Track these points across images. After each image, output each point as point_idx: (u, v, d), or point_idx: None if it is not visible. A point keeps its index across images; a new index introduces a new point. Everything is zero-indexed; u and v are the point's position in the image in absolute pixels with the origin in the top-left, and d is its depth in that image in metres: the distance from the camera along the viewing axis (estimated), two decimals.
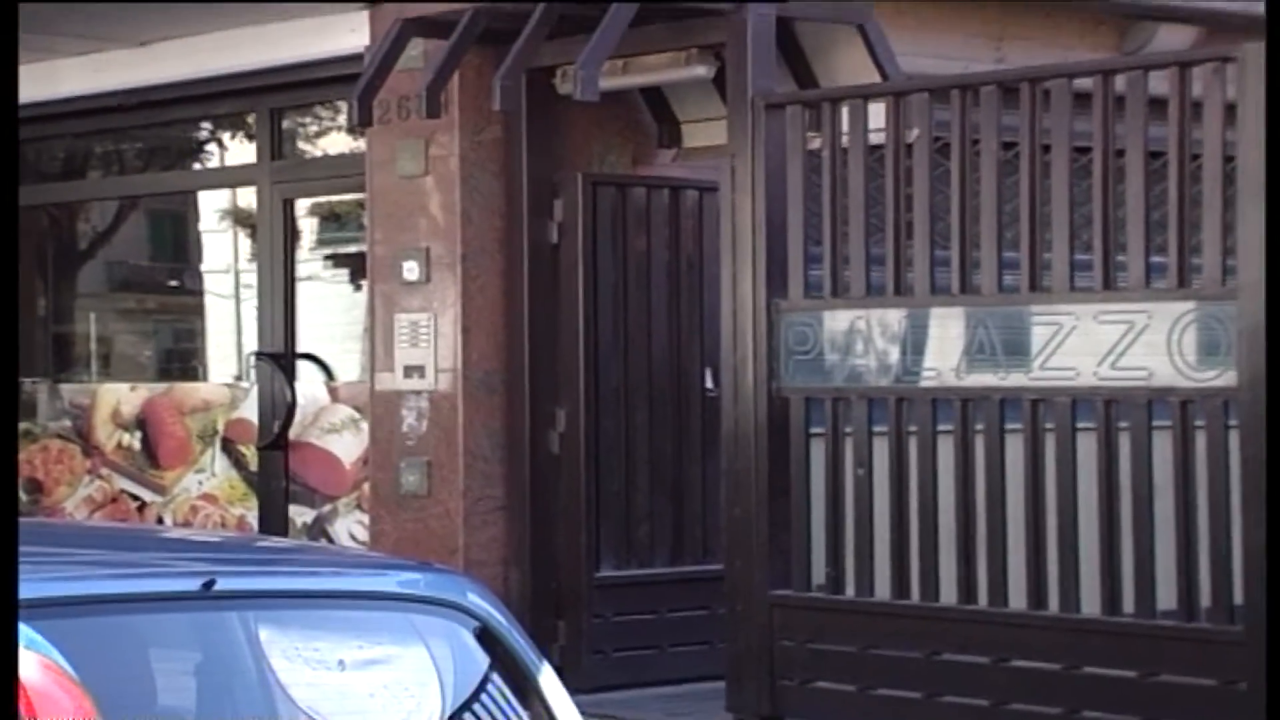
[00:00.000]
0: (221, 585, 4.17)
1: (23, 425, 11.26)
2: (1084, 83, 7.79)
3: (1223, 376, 7.27)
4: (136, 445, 11.15)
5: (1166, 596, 7.44)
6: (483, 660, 4.33)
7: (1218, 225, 7.35)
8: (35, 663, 3.57)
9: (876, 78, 8.89)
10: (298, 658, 4.30)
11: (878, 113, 8.24)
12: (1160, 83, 7.60)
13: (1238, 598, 7.25)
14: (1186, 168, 7.47)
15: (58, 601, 3.87)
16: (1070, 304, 7.67)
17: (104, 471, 11.30)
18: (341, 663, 4.35)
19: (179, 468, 11.00)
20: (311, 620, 4.37)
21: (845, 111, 8.32)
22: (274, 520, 10.41)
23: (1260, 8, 11.48)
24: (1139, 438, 7.50)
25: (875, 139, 8.24)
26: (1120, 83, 7.68)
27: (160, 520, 10.90)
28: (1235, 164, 7.29)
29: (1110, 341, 7.54)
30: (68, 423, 11.53)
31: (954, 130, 8.00)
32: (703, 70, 9.10)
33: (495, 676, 4.33)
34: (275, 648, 4.27)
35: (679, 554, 9.62)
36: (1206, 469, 7.34)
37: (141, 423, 11.18)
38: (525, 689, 4.33)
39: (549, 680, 4.36)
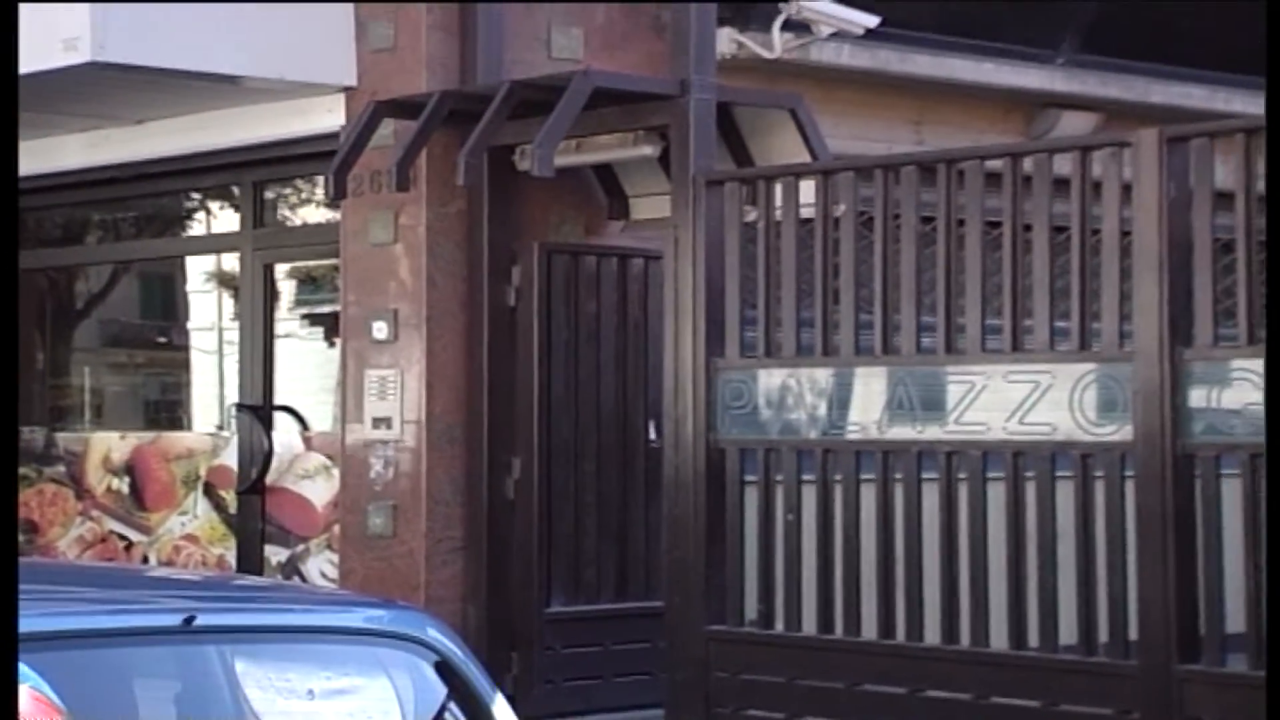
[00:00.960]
0: (201, 621, 4.15)
1: (21, 470, 11.20)
2: (995, 164, 7.82)
3: (1120, 431, 7.29)
4: (125, 489, 11.09)
5: (1068, 632, 7.45)
6: (441, 691, 4.31)
7: (1115, 294, 7.38)
8: (25, 694, 3.54)
9: (807, 158, 8.92)
10: (270, 688, 4.28)
11: (808, 189, 8.26)
12: (1064, 164, 7.63)
13: (1133, 633, 7.27)
14: (1087, 241, 7.50)
15: (48, 636, 3.84)
16: (982, 364, 7.69)
17: (94, 513, 11.22)
18: (311, 692, 4.33)
19: (164, 510, 10.93)
20: (284, 653, 4.35)
21: (778, 188, 8.34)
22: (251, 559, 10.34)
23: (1153, 96, 11.60)
24: (1043, 487, 7.51)
25: (805, 213, 8.25)
26: (1028, 164, 7.71)
27: (145, 559, 10.82)
28: (1131, 238, 7.34)
29: (1018, 399, 7.55)
30: (62, 468, 11.46)
31: (877, 206, 8.02)
32: (649, 150, 9.11)
33: (452, 706, 4.32)
34: (250, 678, 4.25)
35: (623, 591, 9.57)
36: (1105, 516, 7.35)
37: (130, 468, 11.12)
38: (480, 717, 4.31)
39: (501, 709, 4.36)
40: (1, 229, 4.77)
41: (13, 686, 3.52)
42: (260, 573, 10.13)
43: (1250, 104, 11.29)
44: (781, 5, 10.15)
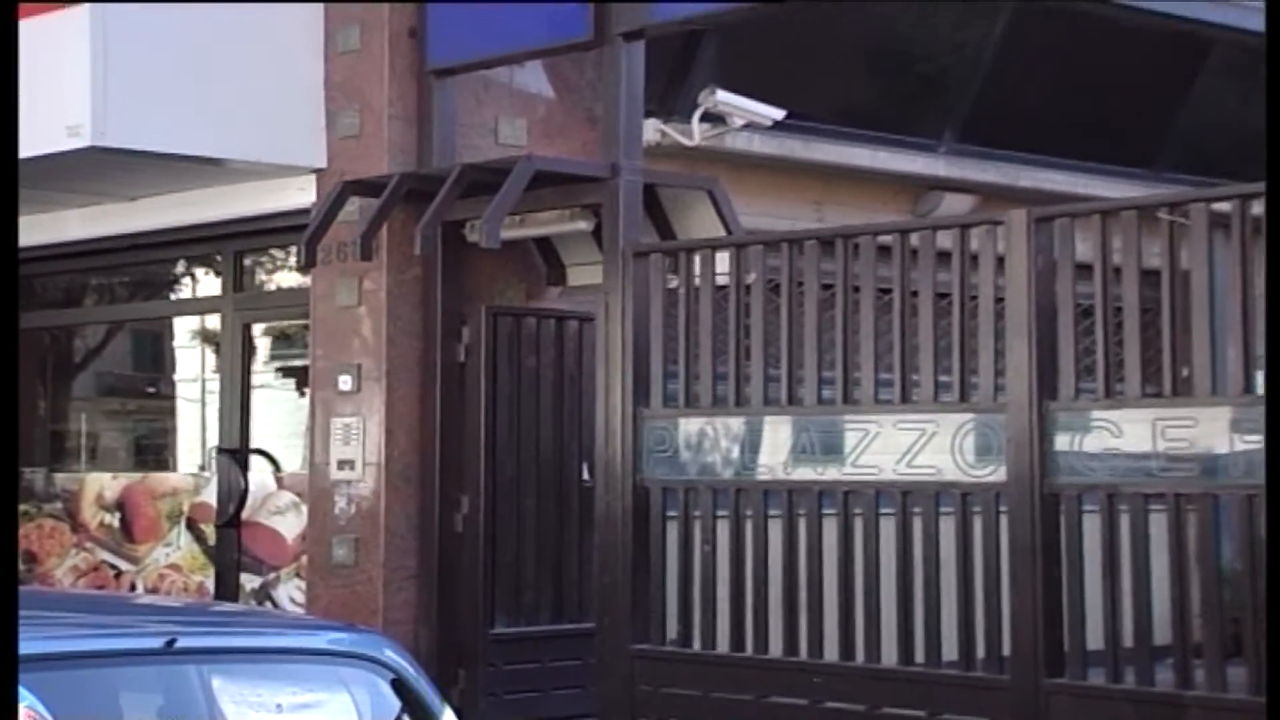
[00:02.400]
0: (181, 643, 4.11)
1: (22, 507, 11.11)
2: (886, 239, 7.85)
3: (995, 473, 7.31)
4: (115, 524, 11.00)
5: (950, 649, 7.44)
6: (395, 705, 4.29)
7: (991, 353, 7.41)
8: (21, 713, 3.48)
9: (722, 232, 8.93)
10: (244, 703, 4.24)
11: (723, 260, 8.28)
12: (945, 240, 7.66)
13: (1006, 650, 7.27)
14: (966, 307, 7.54)
15: (42, 658, 3.79)
16: (875, 414, 7.69)
17: (88, 545, 11.11)
18: (279, 706, 4.29)
19: (150, 542, 10.84)
20: (256, 672, 4.31)
21: (697, 259, 8.34)
22: (228, 586, 10.25)
23: (1022, 181, 11.69)
24: (928, 522, 7.51)
25: (721, 281, 8.26)
26: (915, 239, 7.74)
27: (133, 587, 10.73)
28: (1003, 304, 7.37)
29: (906, 444, 7.56)
30: (59, 505, 11.35)
31: (783, 275, 8.03)
32: (584, 224, 9.11)
33: (406, 719, 4.28)
34: (225, 694, 4.20)
35: (559, 614, 9.52)
36: (982, 547, 7.36)
37: (120, 505, 11.03)
38: None
39: None
40: (2, 234, 4.71)
41: (13, 698, 3.46)
42: (236, 599, 10.06)
43: (1105, 188, 11.40)
44: (700, 99, 10.20)
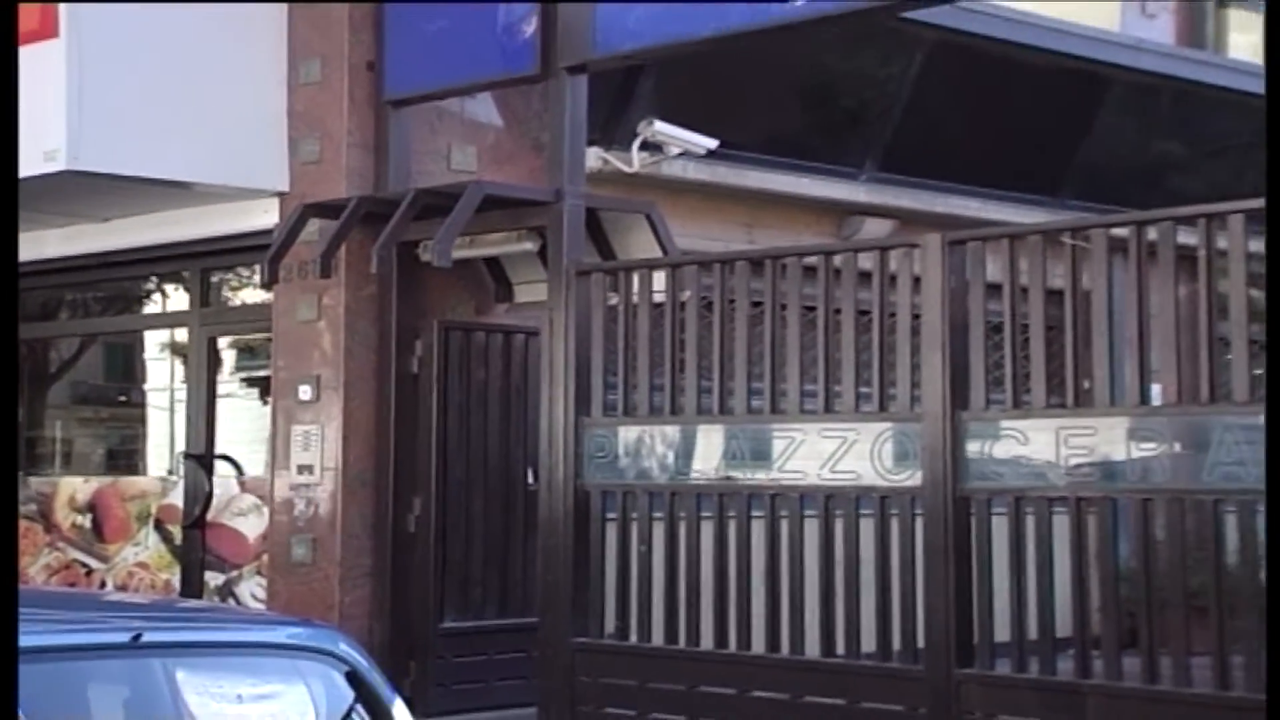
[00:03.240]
0: (147, 638, 4.07)
1: None
2: (811, 260, 7.86)
3: (911, 478, 7.32)
4: (87, 525, 10.89)
5: (869, 641, 7.45)
6: (349, 696, 4.25)
7: (907, 366, 7.42)
8: None
9: (659, 253, 8.93)
10: (206, 694, 4.19)
11: (660, 279, 8.27)
12: (866, 261, 7.68)
13: (921, 642, 7.28)
14: (885, 323, 7.55)
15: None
16: (800, 423, 7.70)
17: (60, 545, 10.99)
18: (240, 697, 4.24)
19: (119, 542, 10.74)
20: (217, 665, 4.27)
21: (636, 278, 8.34)
22: (193, 583, 10.16)
23: (937, 207, 11.73)
24: (849, 523, 7.52)
25: (658, 299, 8.26)
26: (838, 260, 7.76)
27: (103, 584, 10.63)
28: (919, 321, 7.39)
29: (829, 451, 7.57)
30: (34, 507, 11.22)
31: (716, 293, 8.04)
32: (530, 245, 9.09)
33: (359, 708, 4.25)
34: (189, 686, 4.16)
35: (505, 609, 9.49)
36: (899, 547, 7.38)
37: (92, 507, 10.92)
38: (381, 717, 4.24)
39: (400, 711, 4.29)
40: (2, 239, 4.66)
41: (13, 698, 3.42)
42: (200, 595, 9.98)
43: (1013, 214, 11.45)
44: (638, 129, 10.21)
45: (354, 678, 4.26)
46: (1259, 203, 6.61)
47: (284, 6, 9.64)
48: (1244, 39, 14.17)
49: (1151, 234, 6.88)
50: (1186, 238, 6.79)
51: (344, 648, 4.32)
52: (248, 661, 4.31)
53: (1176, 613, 6.72)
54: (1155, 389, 7.05)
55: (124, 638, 4.03)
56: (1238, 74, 13.09)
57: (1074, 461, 6.90)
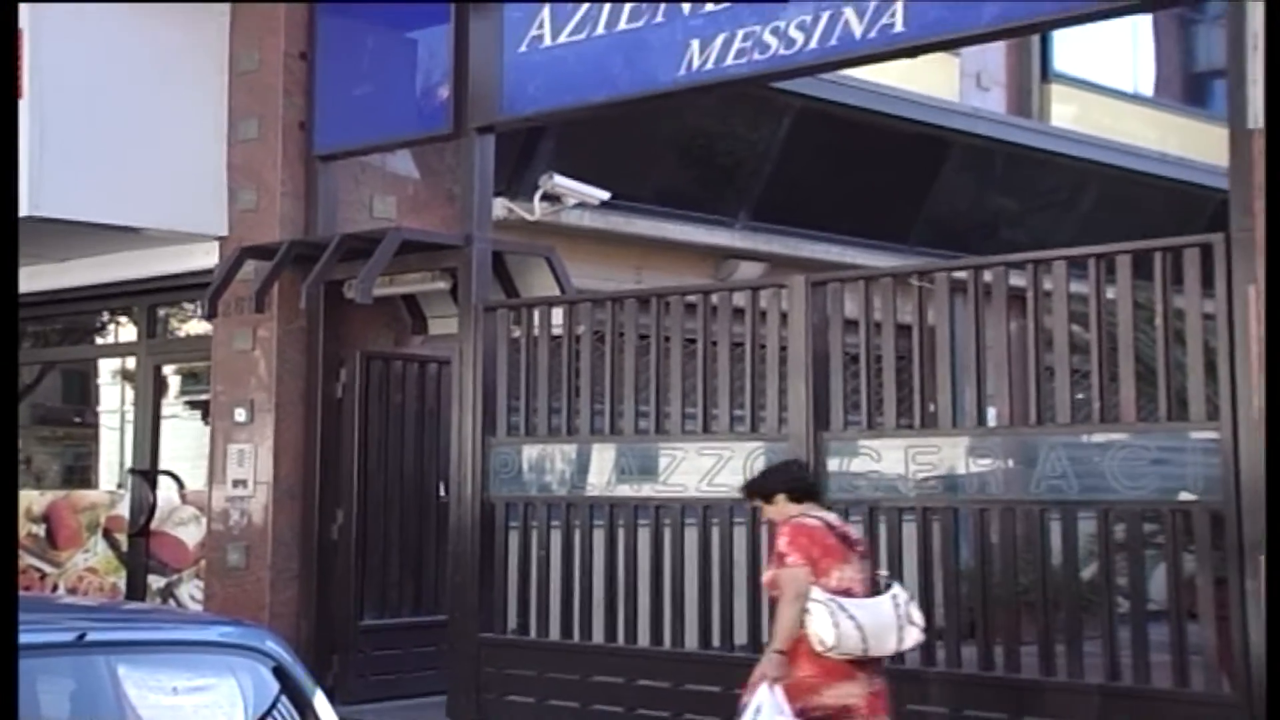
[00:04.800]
0: (92, 637, 3.98)
1: None
2: (692, 298, 7.88)
3: None
4: (42, 534, 10.67)
5: (741, 635, 7.44)
6: (275, 688, 4.17)
7: (776, 392, 7.45)
8: None
9: (557, 292, 8.90)
10: (145, 687, 4.09)
11: (558, 314, 8.25)
12: (740, 299, 7.71)
13: None
14: (756, 354, 7.57)
15: None
16: (682, 442, 7.70)
17: (17, 552, 10.78)
18: (175, 689, 4.15)
19: (71, 549, 10.53)
20: (156, 661, 4.17)
21: (536, 313, 8.32)
22: (137, 586, 9.98)
23: (802, 252, 11.79)
24: (725, 530, 7.52)
25: (556, 332, 8.23)
26: (715, 298, 7.78)
27: (55, 587, 10.41)
28: (786, 352, 7.41)
29: (707, 467, 7.57)
30: None
31: (608, 327, 8.03)
32: (443, 284, 9.03)
33: (284, 699, 4.17)
34: (129, 680, 4.06)
35: (418, 608, 9.37)
36: (769, 551, 7.38)
37: (47, 517, 10.70)
38: (304, 707, 4.18)
39: (321, 702, 4.22)
40: (2, 242, 4.53)
41: (13, 698, 3.32)
42: (144, 597, 9.80)
43: (868, 258, 11.55)
44: (540, 182, 10.20)
45: (280, 672, 4.18)
46: (1079, 250, 6.72)
47: (225, 72, 9.57)
48: (1065, 109, 14.42)
49: (987, 276, 6.96)
50: (1017, 280, 6.87)
51: (270, 645, 4.24)
52: (183, 658, 4.22)
53: (1008, 608, 6.78)
54: (991, 412, 7.12)
55: (70, 637, 3.93)
56: (1059, 139, 13.33)
57: (921, 476, 6.95)
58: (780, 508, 6.03)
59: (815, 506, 6.06)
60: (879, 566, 7.04)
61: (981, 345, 6.86)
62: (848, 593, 5.75)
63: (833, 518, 6.08)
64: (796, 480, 6.15)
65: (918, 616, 5.84)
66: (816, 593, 5.68)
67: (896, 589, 5.88)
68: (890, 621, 5.74)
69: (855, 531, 6.22)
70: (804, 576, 5.70)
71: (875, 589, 5.89)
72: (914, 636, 5.83)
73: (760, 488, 6.20)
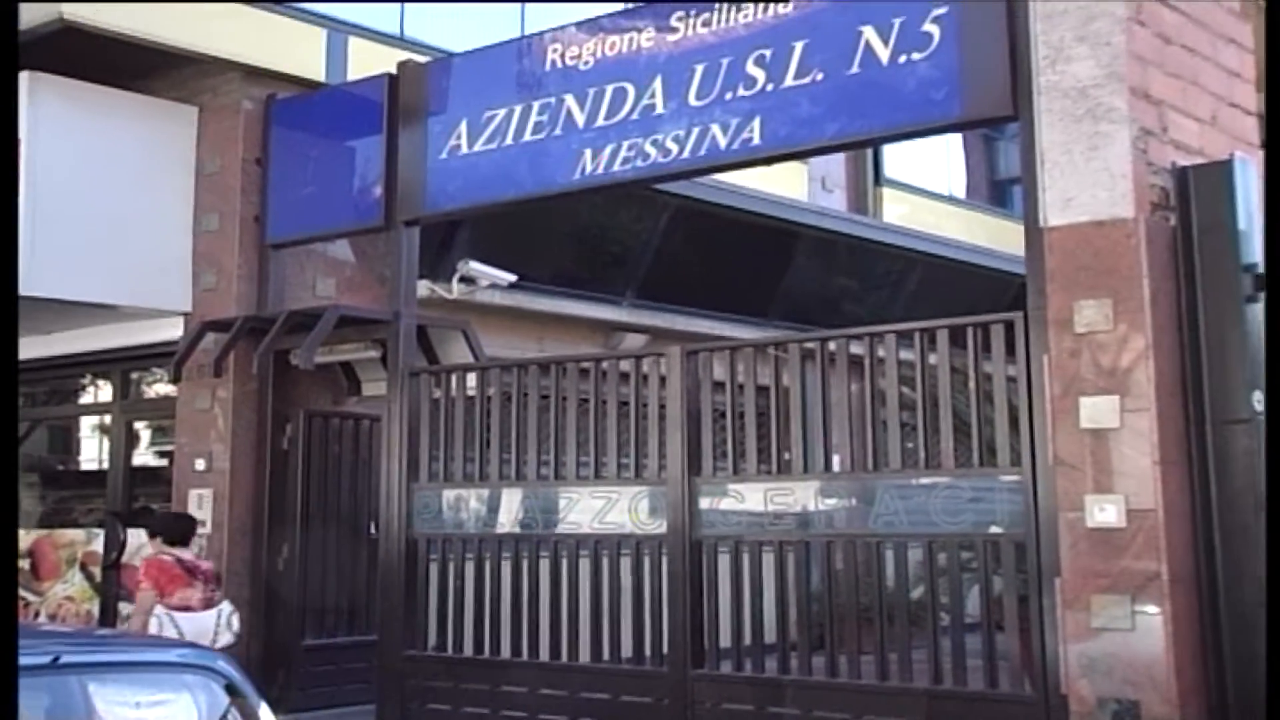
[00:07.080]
0: (65, 659, 3.85)
1: None
2: (586, 364, 7.87)
3: (659, 527, 7.33)
4: (26, 567, 10.38)
5: (626, 650, 7.40)
6: (225, 702, 4.06)
7: (656, 443, 7.45)
8: None
9: (472, 359, 8.86)
10: (112, 703, 3.97)
11: (472, 378, 8.20)
12: (627, 365, 7.71)
13: (665, 649, 7.26)
14: (639, 411, 7.57)
15: None
16: (577, 487, 7.66)
17: None
18: (139, 704, 4.02)
19: (52, 580, 10.24)
20: (121, 680, 4.04)
21: (454, 378, 8.26)
22: (109, 613, 9.74)
23: (679, 325, 11.85)
24: (613, 561, 7.49)
25: (470, 393, 8.18)
26: (605, 365, 7.77)
27: (37, 614, 10.11)
28: (665, 410, 7.42)
29: (599, 507, 7.54)
30: None
31: (515, 389, 7.99)
32: (374, 353, 8.97)
33: (233, 711, 4.07)
34: (99, 697, 3.93)
35: (353, 629, 9.22)
36: (649, 578, 7.36)
37: (31, 553, 10.42)
38: (250, 718, 4.08)
39: (265, 713, 4.12)
40: (2, 244, 4.39)
41: (13, 698, 3.18)
42: (115, 623, 9.55)
43: (733, 330, 11.63)
44: (458, 266, 10.17)
45: (230, 688, 4.08)
46: (906, 325, 6.82)
47: (192, 174, 9.49)
48: (895, 208, 14.70)
49: (831, 346, 7.04)
50: (856, 349, 6.95)
51: (221, 664, 4.14)
52: (146, 676, 4.10)
53: (851, 623, 6.81)
54: (835, 459, 7.18)
55: (46, 659, 3.81)
56: (890, 233, 13.58)
57: (778, 513, 6.98)
58: (155, 545, 7.48)
59: (180, 548, 7.44)
60: (741, 590, 7.06)
61: (827, 404, 6.93)
62: (186, 608, 7.21)
63: (187, 555, 7.45)
64: (169, 528, 7.59)
65: (236, 624, 7.37)
66: (158, 609, 7.17)
67: (224, 605, 7.41)
68: (209, 628, 7.19)
69: (206, 564, 7.58)
70: (150, 598, 7.22)
71: (209, 605, 7.32)
72: (226, 640, 7.19)
73: (149, 527, 7.70)
